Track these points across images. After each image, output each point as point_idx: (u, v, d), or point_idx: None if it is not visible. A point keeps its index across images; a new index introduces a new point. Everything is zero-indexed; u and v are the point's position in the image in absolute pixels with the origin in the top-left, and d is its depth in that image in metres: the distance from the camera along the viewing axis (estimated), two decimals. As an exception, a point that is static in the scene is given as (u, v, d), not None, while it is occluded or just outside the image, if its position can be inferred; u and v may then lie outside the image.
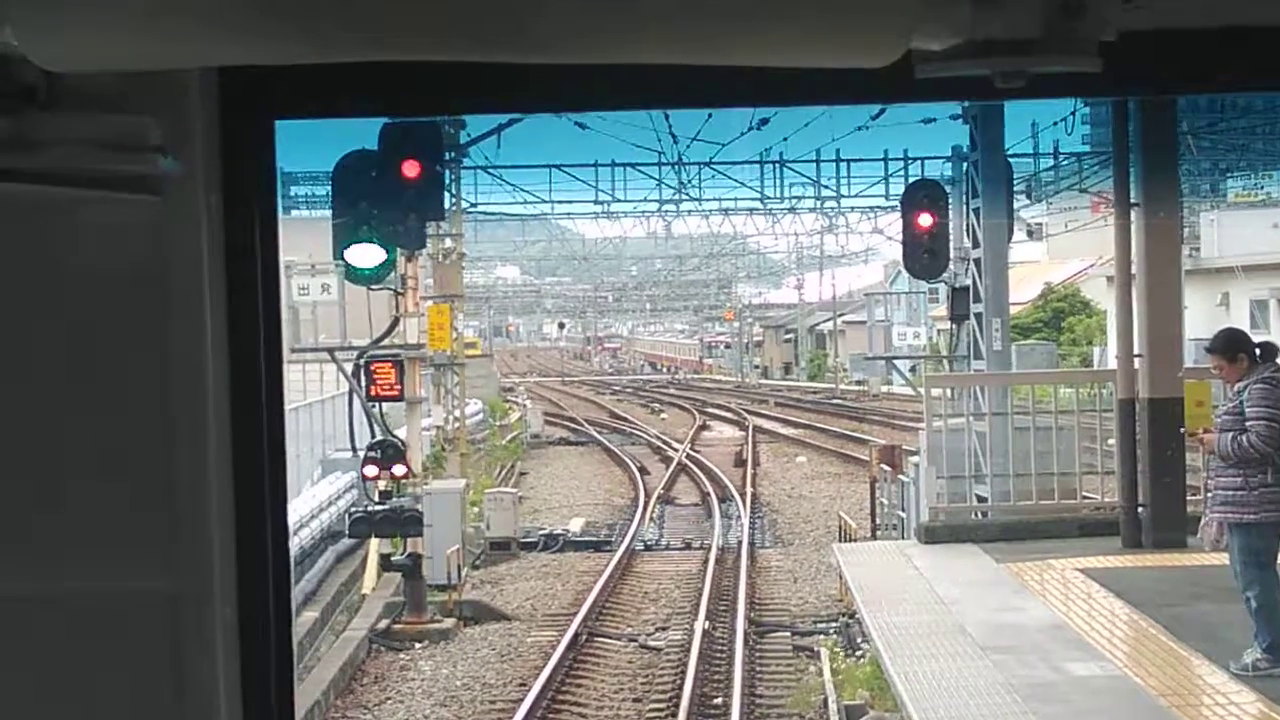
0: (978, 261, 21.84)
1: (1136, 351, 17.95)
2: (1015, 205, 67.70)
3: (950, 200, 30.05)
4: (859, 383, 76.81)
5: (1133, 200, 17.93)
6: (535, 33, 2.00)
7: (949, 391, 22.28)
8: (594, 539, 33.39)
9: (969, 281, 31.86)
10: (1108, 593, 15.55)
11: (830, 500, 37.76)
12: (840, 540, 27.01)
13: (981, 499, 20.66)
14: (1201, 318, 57.80)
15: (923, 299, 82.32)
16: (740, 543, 31.85)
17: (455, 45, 2.01)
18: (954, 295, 30.74)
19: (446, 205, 32.86)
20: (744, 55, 2.06)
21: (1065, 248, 66.72)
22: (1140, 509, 17.94)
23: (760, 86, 2.35)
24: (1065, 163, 45.92)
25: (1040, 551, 18.05)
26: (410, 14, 1.97)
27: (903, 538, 28.45)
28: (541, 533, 32.87)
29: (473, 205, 52.45)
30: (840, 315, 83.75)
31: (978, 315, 21.95)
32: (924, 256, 29.81)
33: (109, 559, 2.47)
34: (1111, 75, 2.08)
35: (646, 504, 37.61)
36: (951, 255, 30.77)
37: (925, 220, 29.05)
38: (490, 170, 50.85)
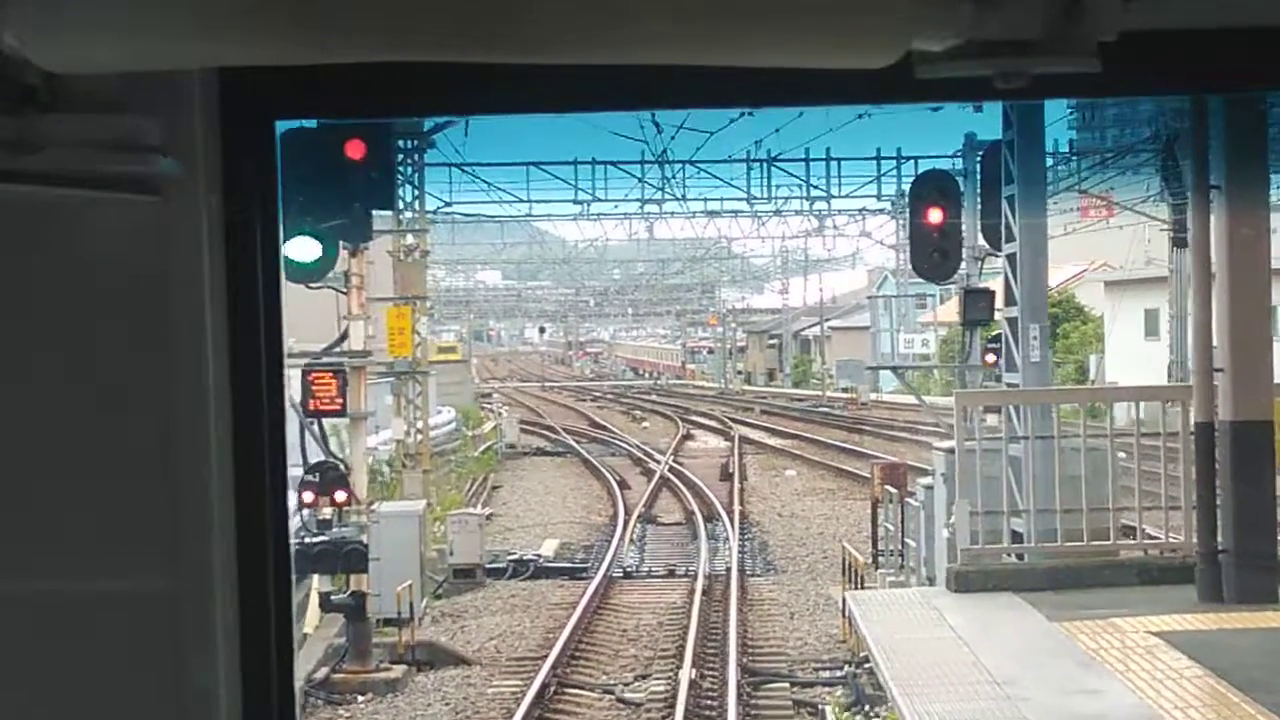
0: (1011, 258, 18.50)
1: (1216, 365, 14.61)
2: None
3: (963, 194, 26.88)
4: (846, 390, 73.54)
5: (1212, 183, 14.59)
6: (535, 33, 1.96)
7: (969, 408, 18.82)
8: (568, 564, 29.92)
9: (982, 283, 28.51)
10: (1201, 668, 12.18)
11: (825, 520, 34.35)
12: (844, 575, 23.54)
13: (1017, 536, 17.25)
14: (1206, 324, 54.63)
15: (910, 304, 79.24)
16: (729, 570, 28.45)
17: (455, 45, 1.98)
18: (967, 299, 27.41)
19: (408, 198, 29.47)
20: (744, 56, 2.03)
21: (1058, 252, 63.45)
22: (1220, 554, 14.58)
23: (760, 87, 2.29)
24: (1058, 165, 43.04)
25: (1097, 605, 14.69)
26: (410, 15, 1.92)
27: (905, 565, 25.15)
28: (511, 558, 29.39)
29: (447, 205, 49.59)
30: (826, 320, 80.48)
31: (1010, 320, 18.57)
32: (934, 256, 26.58)
33: (109, 559, 2.44)
34: (1111, 75, 2.03)
35: (627, 523, 34.16)
36: (964, 255, 27.54)
37: (935, 216, 25.90)
38: (464, 168, 47.91)
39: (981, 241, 27.46)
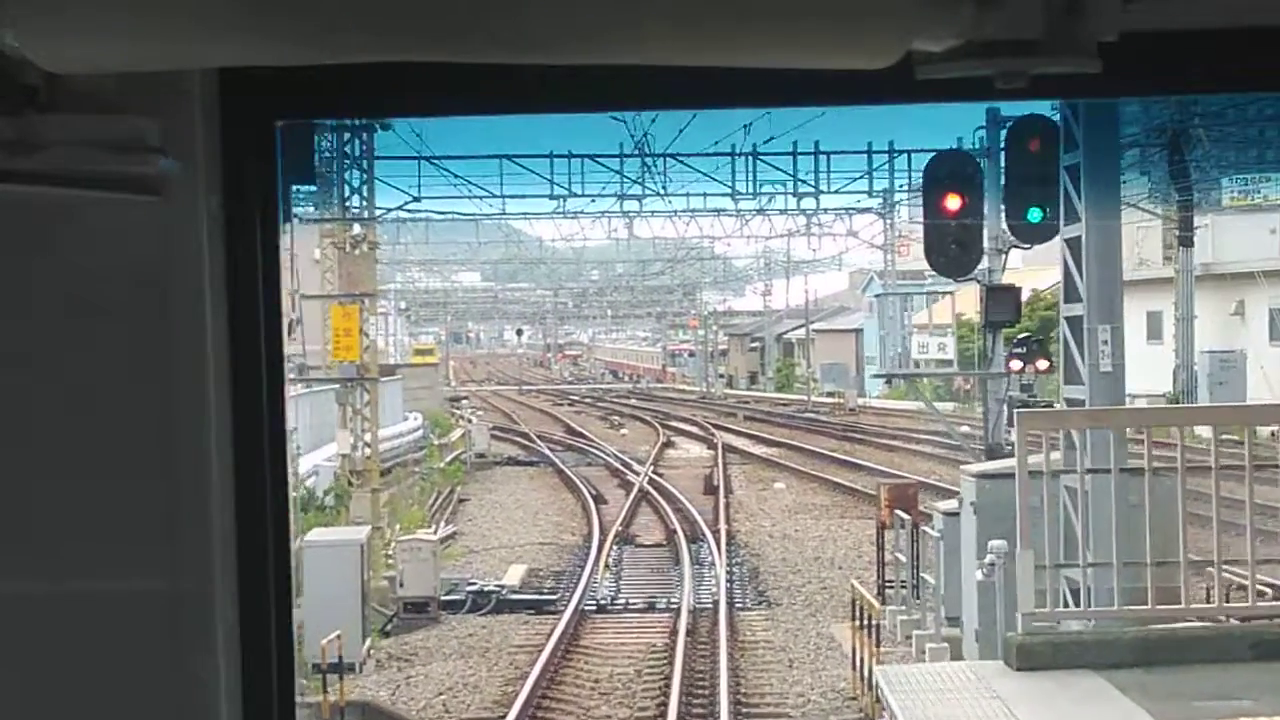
0: (1073, 243, 14.75)
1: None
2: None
3: (984, 177, 23.22)
4: (831, 394, 69.85)
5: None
6: (535, 33, 1.93)
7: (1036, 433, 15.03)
8: (535, 596, 26.06)
9: (1004, 278, 24.79)
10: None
11: (820, 542, 30.56)
12: (854, 620, 19.75)
13: (1077, 595, 13.48)
14: (1214, 328, 50.92)
15: (898, 303, 75.24)
16: (716, 603, 24.68)
17: (455, 46, 1.94)
18: (989, 297, 23.71)
19: (355, 182, 25.66)
20: (744, 56, 2.00)
21: (1045, 254, 59.78)
22: (1374, 627, 10.86)
23: (760, 87, 2.28)
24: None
25: (1207, 693, 11.01)
26: (410, 14, 1.89)
27: (920, 602, 21.52)
28: (470, 588, 25.51)
29: (415, 199, 46.19)
30: (811, 322, 76.88)
31: (1072, 319, 14.82)
32: (951, 248, 23.02)
33: (109, 559, 2.41)
34: (1111, 76, 2.01)
35: (602, 544, 30.37)
36: (986, 247, 23.87)
37: (952, 202, 22.33)
38: (434, 161, 44.46)
39: (1004, 229, 23.84)
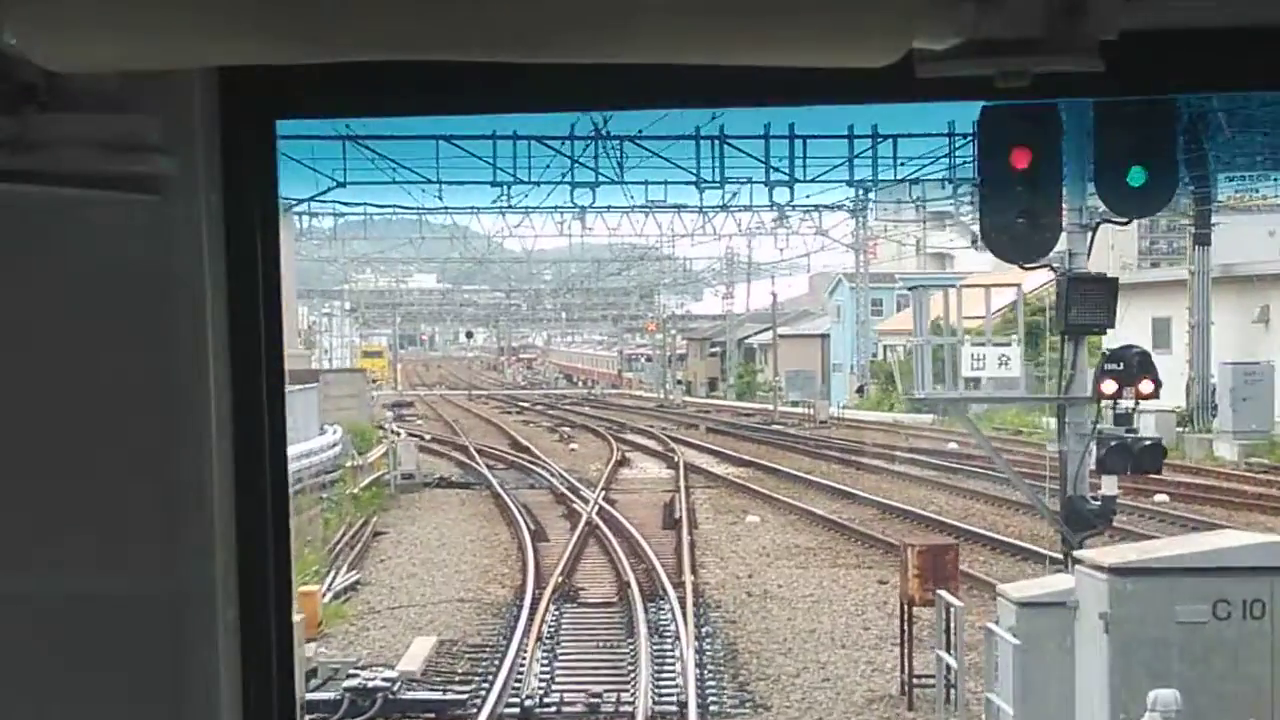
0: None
1: None
2: (960, 210, 52.97)
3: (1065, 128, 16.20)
4: (797, 403, 62.92)
5: None
6: (535, 33, 1.88)
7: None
8: (439, 690, 18.64)
9: (1091, 266, 17.67)
10: None
11: (812, 605, 23.20)
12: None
13: None
14: (1233, 336, 44.04)
15: (867, 310, 68.49)
16: (683, 704, 17.44)
17: (455, 45, 1.90)
18: (1068, 290, 16.56)
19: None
20: (745, 55, 1.95)
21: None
22: None
23: (761, 86, 2.20)
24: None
25: None
26: (410, 14, 1.85)
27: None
28: (349, 682, 18.06)
29: (339, 184, 39.17)
30: (776, 326, 69.87)
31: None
32: (1017, 222, 16.01)
33: (110, 559, 2.36)
34: (1112, 75, 1.94)
35: (536, 603, 23.05)
36: (1065, 221, 16.79)
37: (1021, 159, 15.41)
38: (360, 141, 37.46)
39: (1092, 200, 16.78)
